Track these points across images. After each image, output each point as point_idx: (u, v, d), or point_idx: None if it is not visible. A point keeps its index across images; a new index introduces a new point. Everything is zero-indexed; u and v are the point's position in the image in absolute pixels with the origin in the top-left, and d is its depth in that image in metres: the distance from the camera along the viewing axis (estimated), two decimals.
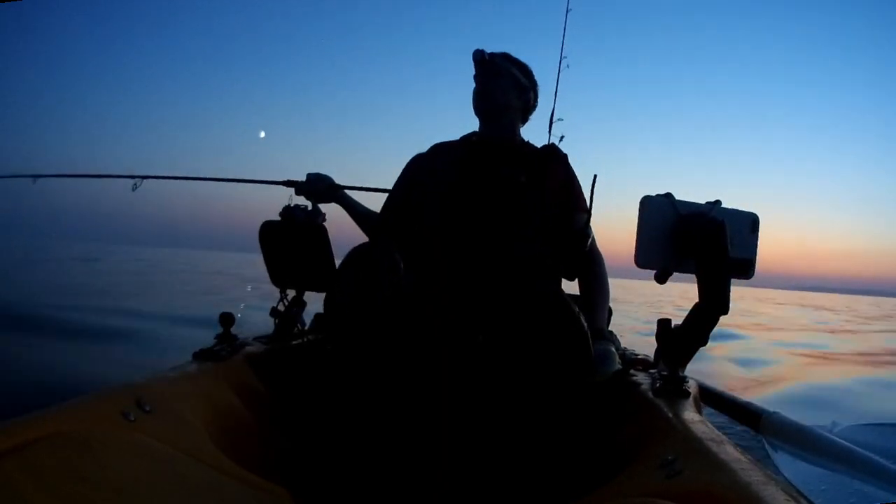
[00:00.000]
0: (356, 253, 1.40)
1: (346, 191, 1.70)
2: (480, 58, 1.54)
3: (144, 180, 1.89)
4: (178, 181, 1.96)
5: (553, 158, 1.60)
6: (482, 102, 1.57)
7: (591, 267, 1.54)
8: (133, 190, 1.89)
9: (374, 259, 1.37)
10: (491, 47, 1.61)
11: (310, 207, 1.68)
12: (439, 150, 1.68)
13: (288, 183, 1.70)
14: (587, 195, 1.54)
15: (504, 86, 1.56)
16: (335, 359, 1.40)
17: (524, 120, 1.66)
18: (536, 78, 1.64)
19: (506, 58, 1.58)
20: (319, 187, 1.66)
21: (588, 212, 1.53)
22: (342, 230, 1.71)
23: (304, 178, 1.68)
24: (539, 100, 1.66)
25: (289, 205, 1.66)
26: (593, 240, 1.55)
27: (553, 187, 1.53)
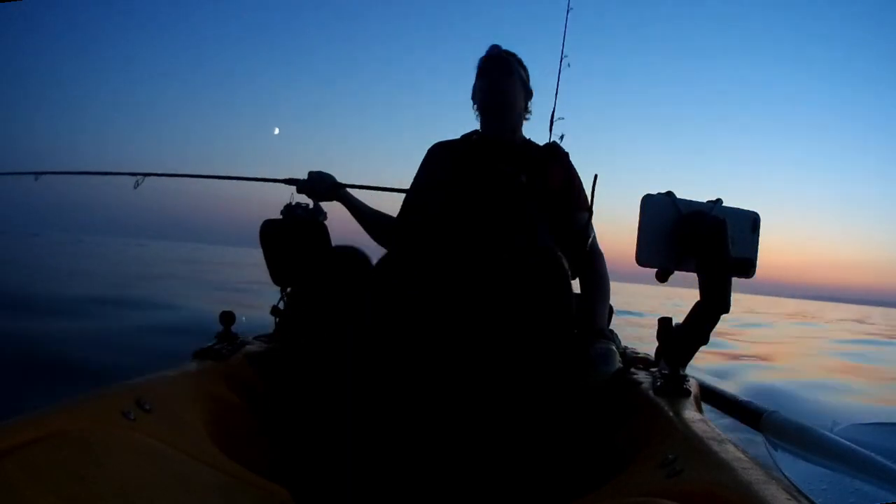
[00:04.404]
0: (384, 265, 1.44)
1: (349, 189, 1.70)
2: (498, 53, 1.54)
3: (146, 178, 1.89)
4: (179, 179, 1.96)
5: (554, 157, 1.60)
6: (495, 98, 1.56)
7: (591, 266, 1.54)
8: (135, 188, 1.89)
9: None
10: (488, 43, 1.61)
11: (311, 206, 1.68)
12: (440, 149, 1.68)
13: (289, 181, 1.69)
14: (588, 194, 1.54)
15: (515, 85, 1.56)
16: (331, 360, 1.40)
17: (522, 120, 1.66)
18: (538, 77, 1.65)
19: (515, 57, 1.58)
20: (321, 186, 1.65)
21: (589, 210, 1.53)
22: (345, 229, 1.71)
23: (305, 177, 1.67)
24: (539, 99, 1.67)
25: (290, 203, 1.65)
26: (594, 238, 1.55)
27: (554, 186, 1.53)
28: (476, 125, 1.66)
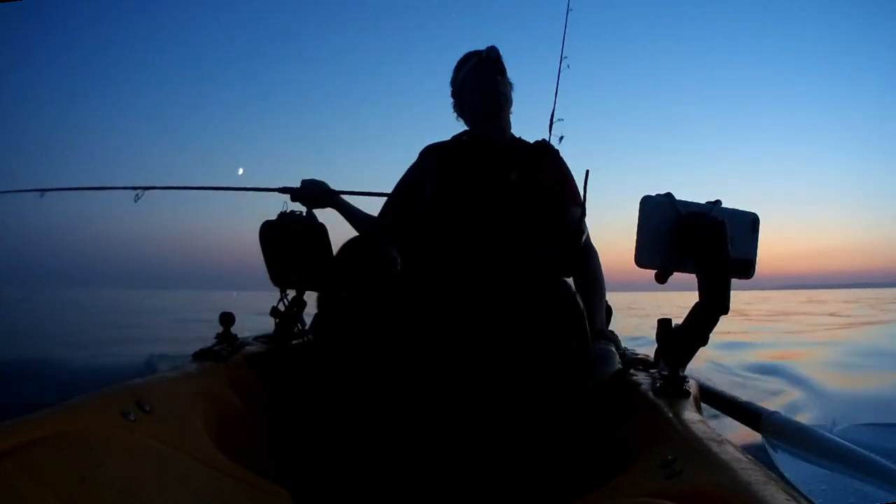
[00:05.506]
0: (350, 247, 1.39)
1: (342, 195, 1.70)
2: (497, 55, 1.54)
3: (146, 191, 1.96)
4: (177, 191, 2.02)
5: (545, 153, 1.61)
6: (495, 101, 1.56)
7: (586, 263, 1.54)
8: (135, 201, 1.94)
9: (370, 254, 1.36)
10: (486, 45, 1.62)
11: (305, 213, 1.69)
12: (433, 151, 1.68)
13: (283, 190, 1.70)
14: (581, 189, 1.54)
15: (507, 85, 1.57)
16: (333, 357, 1.40)
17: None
18: (538, 79, 1.66)
19: (501, 55, 1.59)
20: (315, 193, 1.66)
21: (582, 206, 1.53)
22: (341, 235, 1.71)
23: (299, 185, 1.68)
24: (539, 100, 1.68)
25: (284, 211, 1.66)
26: (588, 235, 1.55)
27: (546, 183, 1.54)
28: (456, 123, 1.67)
